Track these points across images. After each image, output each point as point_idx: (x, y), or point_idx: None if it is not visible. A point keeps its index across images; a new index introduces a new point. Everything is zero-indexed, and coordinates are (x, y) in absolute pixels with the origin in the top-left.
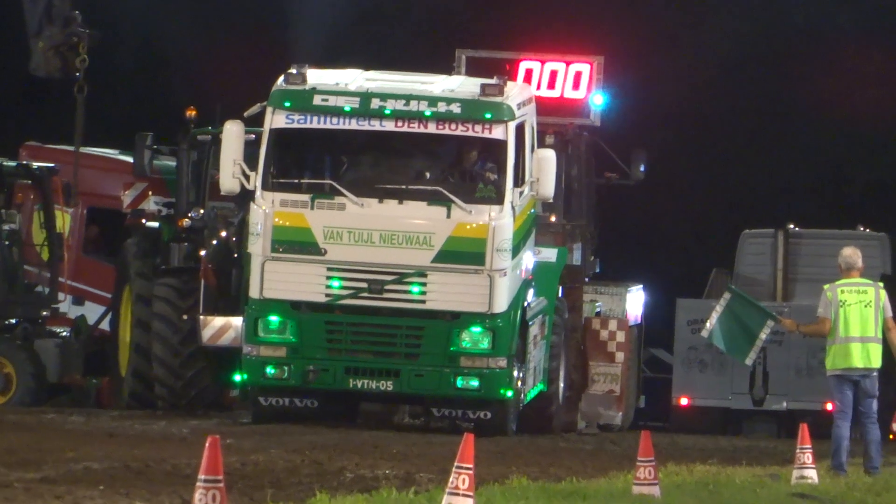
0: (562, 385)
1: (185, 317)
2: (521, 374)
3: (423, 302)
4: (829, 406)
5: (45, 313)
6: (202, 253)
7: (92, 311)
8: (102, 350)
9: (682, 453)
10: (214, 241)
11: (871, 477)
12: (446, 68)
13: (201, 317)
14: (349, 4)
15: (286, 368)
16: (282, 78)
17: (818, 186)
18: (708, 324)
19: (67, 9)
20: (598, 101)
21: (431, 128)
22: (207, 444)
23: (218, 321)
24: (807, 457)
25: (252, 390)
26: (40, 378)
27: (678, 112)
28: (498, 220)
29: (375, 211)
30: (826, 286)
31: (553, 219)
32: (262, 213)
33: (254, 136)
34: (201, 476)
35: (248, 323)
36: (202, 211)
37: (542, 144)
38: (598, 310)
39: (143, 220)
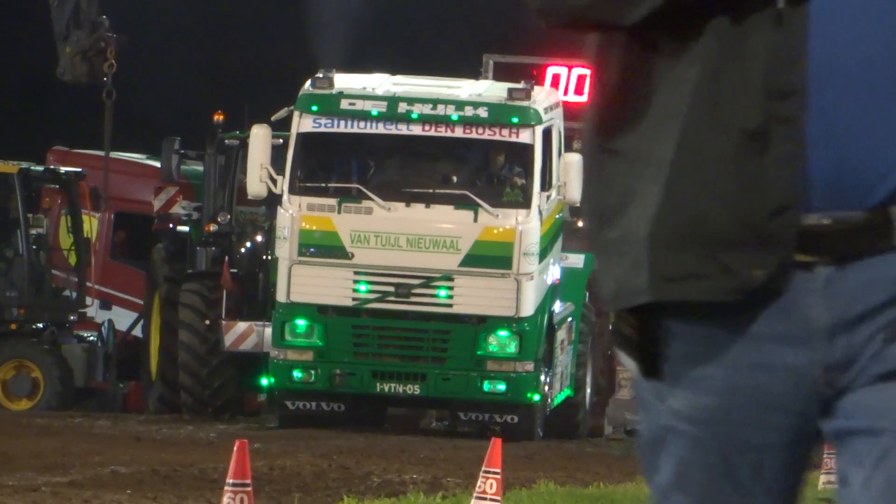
0: (588, 391)
1: (207, 322)
2: (548, 379)
3: (450, 306)
4: None
5: (72, 318)
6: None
7: (120, 316)
8: (136, 355)
9: None
10: (244, 247)
11: None
12: (473, 73)
13: (223, 322)
14: (376, 8)
15: (313, 372)
16: (309, 82)
17: None
18: None
19: (94, 14)
20: None
21: (458, 132)
22: (235, 448)
23: (240, 326)
24: (834, 462)
25: (279, 394)
26: (67, 382)
27: None
28: (525, 224)
29: (402, 215)
30: None
31: (580, 224)
32: (289, 217)
33: (281, 140)
34: (229, 480)
35: (275, 327)
36: (229, 216)
37: (569, 149)
38: None
39: (171, 225)
